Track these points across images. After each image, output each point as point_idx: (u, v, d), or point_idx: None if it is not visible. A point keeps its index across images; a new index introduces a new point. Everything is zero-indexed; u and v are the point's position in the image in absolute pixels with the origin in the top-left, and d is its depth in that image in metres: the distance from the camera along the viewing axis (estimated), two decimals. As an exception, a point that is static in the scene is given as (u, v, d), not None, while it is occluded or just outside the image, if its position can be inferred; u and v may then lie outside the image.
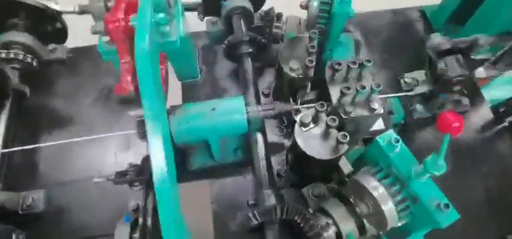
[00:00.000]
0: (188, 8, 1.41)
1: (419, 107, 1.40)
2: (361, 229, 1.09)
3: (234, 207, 1.24)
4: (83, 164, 1.33)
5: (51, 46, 1.43)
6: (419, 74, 1.41)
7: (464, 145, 1.42)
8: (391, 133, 0.93)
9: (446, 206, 0.83)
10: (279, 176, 1.29)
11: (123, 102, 0.98)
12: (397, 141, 0.91)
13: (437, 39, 1.33)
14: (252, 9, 1.38)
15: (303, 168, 1.21)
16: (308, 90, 1.23)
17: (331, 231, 1.07)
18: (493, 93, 1.52)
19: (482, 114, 1.49)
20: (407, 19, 1.65)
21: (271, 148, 1.31)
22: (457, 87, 1.27)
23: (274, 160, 1.32)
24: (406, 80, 1.44)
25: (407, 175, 0.88)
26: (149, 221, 1.00)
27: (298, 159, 1.16)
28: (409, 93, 1.34)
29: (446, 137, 0.78)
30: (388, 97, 1.36)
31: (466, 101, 1.43)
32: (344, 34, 1.52)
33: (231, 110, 1.12)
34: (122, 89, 0.96)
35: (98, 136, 1.21)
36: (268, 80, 1.47)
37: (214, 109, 1.11)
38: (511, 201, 1.32)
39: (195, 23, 1.45)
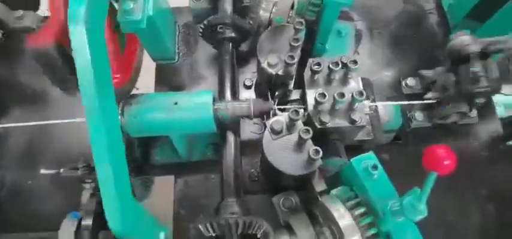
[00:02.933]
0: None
1: (418, 115, 1.23)
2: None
3: (197, 209, 1.13)
4: (44, 149, 1.22)
5: (19, 12, 1.30)
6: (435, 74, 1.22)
7: (464, 161, 1.26)
8: (370, 156, 0.78)
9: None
10: (252, 179, 1.17)
11: (40, 61, 0.84)
12: (375, 168, 0.76)
13: (465, 38, 1.12)
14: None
15: (273, 180, 1.07)
16: (291, 88, 1.08)
17: (294, 255, 0.95)
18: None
19: (490, 128, 1.31)
20: (420, 10, 1.44)
21: (247, 147, 1.19)
22: (479, 100, 1.09)
23: (248, 160, 1.19)
24: (408, 82, 1.26)
25: (383, 209, 0.73)
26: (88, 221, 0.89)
27: (268, 171, 1.03)
28: (413, 102, 1.17)
29: (431, 175, 0.63)
30: (387, 104, 1.20)
31: (474, 113, 1.25)
32: (345, 23, 1.33)
33: (196, 106, 0.99)
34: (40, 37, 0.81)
35: (62, 121, 1.10)
36: (253, 69, 1.32)
37: (176, 103, 0.98)
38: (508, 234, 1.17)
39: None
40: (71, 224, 0.96)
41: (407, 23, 1.42)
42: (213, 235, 0.95)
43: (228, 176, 1.03)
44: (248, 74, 1.29)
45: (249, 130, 1.24)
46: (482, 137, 1.29)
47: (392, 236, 0.72)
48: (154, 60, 1.30)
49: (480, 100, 1.20)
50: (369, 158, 0.78)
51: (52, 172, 0.99)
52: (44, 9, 1.32)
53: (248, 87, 1.29)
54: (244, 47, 1.31)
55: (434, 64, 1.22)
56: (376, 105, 1.14)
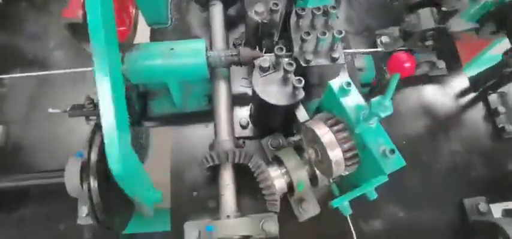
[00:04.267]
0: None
1: (391, 68, 1.36)
2: (313, 179, 1.08)
3: (193, 158, 1.22)
4: (45, 101, 1.30)
5: (19, -19, 1.40)
6: (394, 31, 1.36)
7: (437, 109, 1.40)
8: (344, 77, 0.90)
9: (392, 151, 0.81)
10: (242, 127, 1.27)
11: (71, 31, 0.95)
12: (349, 85, 0.88)
13: None
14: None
15: (263, 118, 1.18)
16: (276, 38, 1.19)
17: (283, 180, 1.06)
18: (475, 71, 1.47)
19: (459, 82, 1.46)
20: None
21: (237, 99, 1.30)
22: (429, 42, 1.22)
23: (239, 112, 1.30)
24: (382, 39, 1.40)
25: (356, 119, 0.85)
26: (93, 156, 0.98)
27: (258, 107, 1.14)
28: (379, 50, 1.30)
29: (395, 77, 0.75)
30: (358, 53, 1.33)
31: (441, 64, 1.40)
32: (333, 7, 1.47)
33: (190, 52, 1.09)
34: (69, 12, 0.92)
35: (58, 71, 1.18)
36: (241, 30, 1.43)
37: (172, 49, 1.08)
38: (474, 167, 1.31)
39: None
40: (76, 161, 1.05)
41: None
42: (209, 165, 1.05)
43: (220, 118, 1.14)
44: (237, 34, 1.40)
45: (239, 85, 1.34)
46: (451, 87, 1.43)
47: (364, 138, 0.84)
48: (148, 25, 1.40)
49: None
50: (342, 79, 0.90)
51: (59, 110, 1.07)
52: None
53: (237, 46, 1.40)
54: (232, 11, 1.42)
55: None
56: (352, 56, 1.26)
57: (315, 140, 0.93)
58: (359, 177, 0.96)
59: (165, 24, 1.42)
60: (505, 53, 1.30)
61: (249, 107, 1.30)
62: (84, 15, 0.93)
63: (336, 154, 0.89)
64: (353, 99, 0.88)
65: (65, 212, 1.15)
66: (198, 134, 1.26)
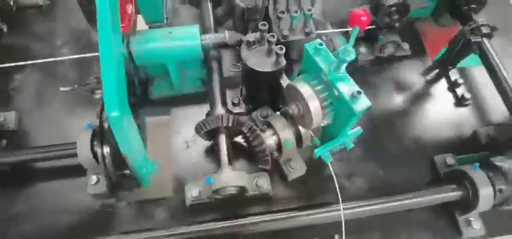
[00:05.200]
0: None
1: (363, 49, 1.56)
2: (298, 139, 1.23)
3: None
4: (53, 89, 1.45)
5: (29, -9, 1.57)
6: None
7: (407, 84, 1.60)
8: (317, 40, 1.08)
9: (359, 92, 0.97)
10: (234, 105, 1.43)
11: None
12: (321, 45, 1.05)
13: None
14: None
15: (252, 89, 1.34)
16: (260, 24, 1.37)
17: (272, 140, 1.21)
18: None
19: (424, 61, 1.66)
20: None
21: (228, 81, 1.46)
22: (393, 19, 1.41)
23: (230, 93, 1.45)
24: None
25: (329, 70, 1.02)
26: (106, 126, 1.10)
27: (247, 78, 1.30)
28: (349, 29, 1.49)
29: (355, 29, 0.93)
30: (331, 33, 1.51)
31: (406, 45, 1.60)
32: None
33: (186, 35, 1.27)
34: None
35: (64, 58, 1.34)
36: (228, 27, 1.61)
37: (170, 32, 1.26)
38: (441, 130, 1.49)
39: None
40: (86, 131, 1.17)
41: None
42: (206, 129, 1.20)
43: (214, 92, 1.29)
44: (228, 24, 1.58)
45: (229, 70, 1.51)
46: (418, 65, 1.63)
47: (336, 85, 1.00)
48: (146, 23, 1.57)
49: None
50: (315, 41, 1.07)
51: (69, 88, 1.22)
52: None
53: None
54: (219, 11, 1.61)
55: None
56: (326, 36, 1.46)
57: (297, 96, 1.09)
58: (336, 129, 1.12)
59: (161, 22, 1.60)
60: (455, 35, 1.51)
61: (239, 88, 1.46)
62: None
63: (314, 105, 1.05)
64: (325, 56, 1.05)
65: (75, 186, 1.26)
66: (194, 113, 1.41)
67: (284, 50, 1.14)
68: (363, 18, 0.92)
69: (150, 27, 1.58)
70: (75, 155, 1.15)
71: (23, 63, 1.42)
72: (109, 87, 0.88)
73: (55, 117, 1.39)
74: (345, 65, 0.98)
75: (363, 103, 0.98)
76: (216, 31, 1.45)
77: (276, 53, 1.15)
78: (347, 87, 1.00)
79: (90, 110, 1.31)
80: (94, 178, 1.19)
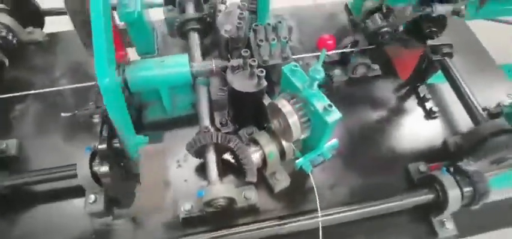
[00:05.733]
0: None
1: (337, 71, 1.71)
2: (281, 152, 1.34)
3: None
4: (53, 118, 1.55)
5: (30, 29, 1.71)
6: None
7: (379, 101, 1.74)
8: (293, 63, 1.22)
9: (330, 105, 1.11)
10: (222, 124, 1.54)
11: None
12: (296, 66, 1.19)
13: (368, 3, 1.66)
14: (201, -3, 1.70)
15: (238, 109, 1.46)
16: (242, 51, 1.51)
17: (258, 155, 1.32)
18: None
19: (394, 80, 1.82)
20: (331, 10, 2.01)
21: (215, 106, 1.58)
22: (384, 38, 1.57)
23: (218, 115, 1.57)
24: (328, 53, 1.75)
25: (303, 88, 1.15)
26: (103, 145, 1.20)
27: (233, 101, 1.43)
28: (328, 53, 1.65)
29: (323, 51, 1.07)
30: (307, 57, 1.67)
31: (376, 66, 1.76)
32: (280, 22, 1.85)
33: (177, 63, 1.40)
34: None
35: (62, 87, 1.46)
36: (215, 55, 1.76)
37: (163, 61, 1.39)
38: (414, 141, 1.63)
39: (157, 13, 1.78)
40: (85, 155, 1.27)
41: (325, 19, 1.97)
42: (196, 146, 1.31)
43: (203, 113, 1.41)
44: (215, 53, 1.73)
45: (217, 94, 1.64)
46: (390, 84, 1.79)
47: (310, 100, 1.13)
48: (139, 55, 1.71)
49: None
50: (291, 64, 1.21)
51: (69, 114, 1.33)
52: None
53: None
54: (206, 41, 1.76)
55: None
56: (302, 61, 1.61)
57: (278, 112, 1.22)
58: (314, 141, 1.25)
59: (153, 53, 1.74)
60: (420, 56, 1.68)
61: (226, 110, 1.58)
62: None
63: (293, 120, 1.17)
64: (300, 76, 1.19)
65: (73, 207, 1.35)
66: (186, 134, 1.51)
67: (264, 73, 1.28)
68: (329, 42, 1.07)
69: (142, 58, 1.73)
70: (74, 176, 1.25)
71: (24, 93, 1.53)
72: (100, 55, 0.96)
73: (55, 143, 1.49)
74: (317, 82, 1.12)
75: (334, 115, 1.11)
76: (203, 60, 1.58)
77: (258, 76, 1.28)
78: (320, 102, 1.13)
79: (89, 135, 1.42)
80: (92, 197, 1.27)
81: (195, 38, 1.60)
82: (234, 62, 1.33)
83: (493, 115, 1.55)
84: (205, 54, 1.71)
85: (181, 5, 1.70)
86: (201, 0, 1.70)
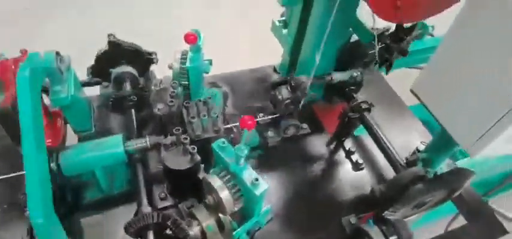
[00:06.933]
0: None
1: (270, 133, 1.83)
2: (220, 225, 1.40)
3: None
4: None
5: None
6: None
7: (311, 157, 1.88)
8: (221, 139, 1.31)
9: (256, 179, 1.20)
10: (161, 199, 1.57)
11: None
12: (224, 143, 1.28)
13: (274, 77, 1.83)
14: (136, 74, 1.76)
15: (175, 184, 1.51)
16: (174, 130, 1.57)
17: (197, 229, 1.36)
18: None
19: (323, 136, 1.98)
20: (263, 74, 2.17)
21: (154, 180, 1.62)
22: (289, 108, 1.71)
23: (157, 188, 1.60)
24: (260, 115, 1.88)
25: (232, 164, 1.24)
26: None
27: (169, 177, 1.47)
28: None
29: (245, 131, 1.17)
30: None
31: (305, 125, 1.91)
32: (214, 88, 1.96)
33: (111, 145, 1.43)
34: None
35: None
36: (151, 127, 1.81)
37: (98, 144, 1.41)
38: (344, 193, 1.76)
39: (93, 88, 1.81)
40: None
41: (256, 83, 2.12)
42: (134, 229, 1.32)
43: (140, 191, 1.44)
44: (148, 130, 1.77)
45: (155, 167, 1.68)
46: (320, 140, 1.94)
47: (237, 174, 1.22)
48: (75, 133, 1.71)
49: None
50: (220, 140, 1.30)
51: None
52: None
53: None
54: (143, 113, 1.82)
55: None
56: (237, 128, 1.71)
57: (210, 188, 1.28)
58: (248, 211, 1.32)
59: (90, 131, 1.75)
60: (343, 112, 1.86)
61: (165, 183, 1.62)
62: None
63: (225, 194, 1.25)
64: (228, 151, 1.28)
65: None
66: (125, 212, 1.52)
67: (196, 149, 1.35)
68: (249, 122, 1.16)
69: (78, 135, 1.73)
70: None
71: None
72: (33, 197, 1.00)
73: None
74: (243, 159, 1.21)
75: (261, 187, 1.21)
76: (139, 134, 1.63)
77: (190, 153, 1.35)
78: (248, 175, 1.22)
79: (21, 226, 1.37)
80: None
81: (130, 114, 1.65)
82: (167, 140, 1.40)
83: (410, 163, 1.74)
84: (142, 126, 1.76)
85: (116, 81, 1.75)
86: (136, 76, 1.77)
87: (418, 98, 1.42)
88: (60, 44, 1.65)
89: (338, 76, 1.82)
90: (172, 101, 1.49)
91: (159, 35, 3.24)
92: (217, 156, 1.31)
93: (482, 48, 1.13)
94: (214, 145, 1.30)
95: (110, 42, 1.67)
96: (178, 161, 1.37)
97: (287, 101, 1.70)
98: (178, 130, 1.38)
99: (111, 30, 1.69)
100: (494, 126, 1.14)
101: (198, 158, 1.38)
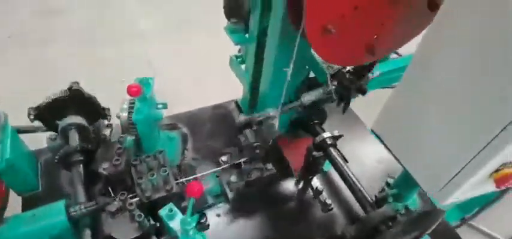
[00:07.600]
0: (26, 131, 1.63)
1: (233, 178, 1.73)
2: None
3: None
4: None
5: None
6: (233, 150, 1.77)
7: (278, 199, 1.79)
8: (170, 204, 1.20)
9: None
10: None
11: None
12: (171, 210, 1.18)
13: (241, 117, 1.74)
14: (85, 123, 1.64)
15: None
16: (119, 195, 1.44)
17: None
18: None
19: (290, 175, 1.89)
20: (226, 110, 2.07)
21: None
22: (258, 151, 1.62)
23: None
24: (222, 159, 1.78)
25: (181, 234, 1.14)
26: None
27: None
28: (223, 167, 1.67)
29: (191, 200, 1.07)
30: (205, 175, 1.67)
31: (269, 166, 1.82)
32: (172, 131, 1.86)
33: (51, 213, 1.31)
34: None
35: None
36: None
37: (34, 215, 1.29)
38: (316, 234, 1.69)
39: (39, 140, 1.67)
40: None
41: (219, 120, 2.02)
42: None
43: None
44: (100, 185, 1.64)
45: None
46: (283, 182, 1.85)
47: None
48: (18, 194, 1.57)
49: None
50: (168, 206, 1.20)
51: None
52: None
53: (103, 195, 1.63)
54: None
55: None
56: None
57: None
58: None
59: (36, 190, 1.61)
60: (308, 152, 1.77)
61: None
62: None
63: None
64: (177, 219, 1.17)
65: None
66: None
67: (143, 217, 1.24)
68: (196, 189, 1.07)
69: (22, 197, 1.59)
70: None
71: None
72: None
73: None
74: (192, 230, 1.11)
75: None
76: (87, 191, 1.50)
77: (137, 220, 1.24)
78: (200, 247, 1.12)
79: None
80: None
81: (78, 171, 1.52)
82: (112, 206, 1.28)
83: (380, 200, 1.67)
84: (92, 182, 1.63)
85: (64, 132, 1.62)
86: (85, 126, 1.64)
87: (379, 139, 1.35)
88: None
89: (308, 98, 1.71)
90: (118, 160, 1.38)
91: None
92: (166, 224, 1.20)
93: (441, 86, 1.05)
94: (161, 212, 1.20)
95: (71, 89, 1.53)
96: (125, 230, 1.26)
97: (255, 144, 1.60)
98: (123, 194, 1.27)
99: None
100: (460, 172, 1.07)
101: (147, 224, 1.26)
